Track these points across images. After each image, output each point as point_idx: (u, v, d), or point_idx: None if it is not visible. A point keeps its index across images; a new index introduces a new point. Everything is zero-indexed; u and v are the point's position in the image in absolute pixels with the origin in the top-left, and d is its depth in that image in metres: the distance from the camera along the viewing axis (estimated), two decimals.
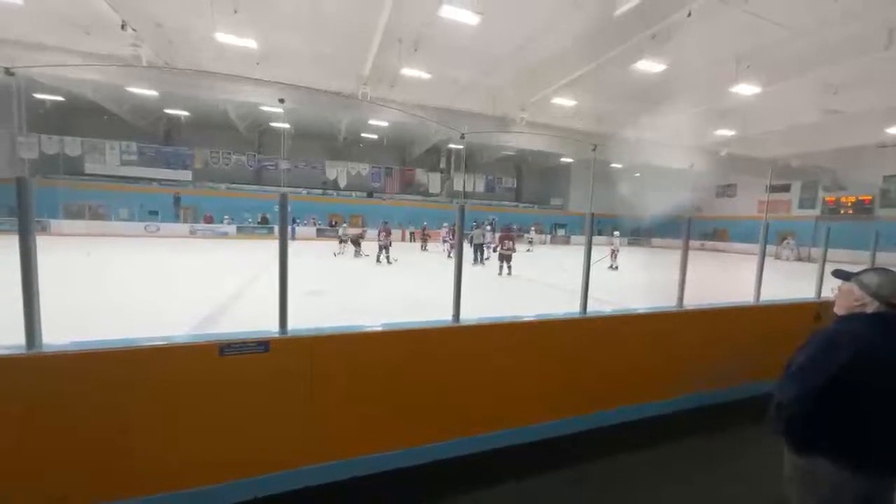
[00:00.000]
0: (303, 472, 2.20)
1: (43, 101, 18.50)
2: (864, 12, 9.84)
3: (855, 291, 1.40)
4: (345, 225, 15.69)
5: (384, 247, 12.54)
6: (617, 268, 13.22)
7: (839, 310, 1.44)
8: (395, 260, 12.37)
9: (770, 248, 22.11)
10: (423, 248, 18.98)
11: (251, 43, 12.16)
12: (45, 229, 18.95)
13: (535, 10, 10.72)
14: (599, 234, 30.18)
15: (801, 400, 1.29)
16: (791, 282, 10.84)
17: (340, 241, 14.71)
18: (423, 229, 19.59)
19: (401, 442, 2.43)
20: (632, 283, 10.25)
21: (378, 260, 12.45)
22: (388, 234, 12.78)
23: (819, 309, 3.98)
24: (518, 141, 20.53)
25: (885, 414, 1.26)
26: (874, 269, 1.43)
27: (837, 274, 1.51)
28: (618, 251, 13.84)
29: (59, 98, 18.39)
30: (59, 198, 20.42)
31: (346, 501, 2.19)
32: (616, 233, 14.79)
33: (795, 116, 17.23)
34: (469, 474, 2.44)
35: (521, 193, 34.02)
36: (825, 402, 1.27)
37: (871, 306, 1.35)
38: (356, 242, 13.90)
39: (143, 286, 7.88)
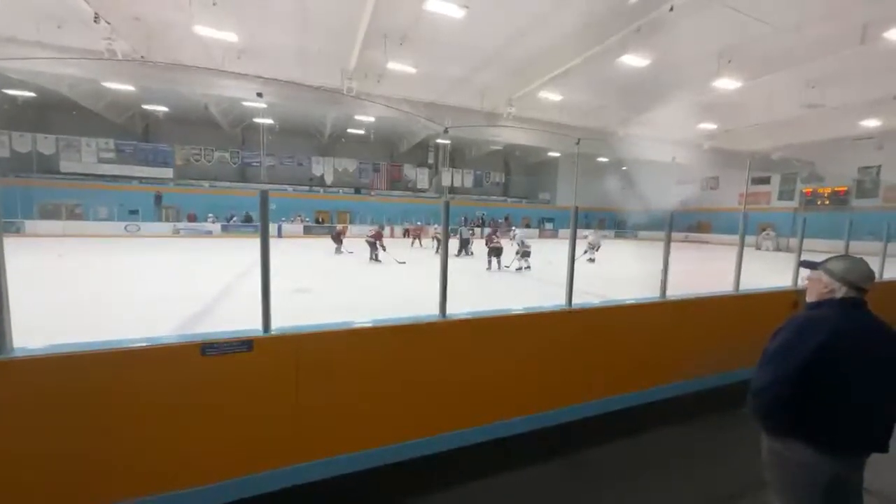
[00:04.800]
0: (290, 472, 2.18)
1: (14, 97, 17.80)
2: (841, 9, 10.10)
3: (823, 279, 1.44)
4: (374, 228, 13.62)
5: (372, 245, 12.33)
6: (594, 260, 13.23)
7: (810, 297, 1.49)
8: (404, 262, 11.80)
9: (751, 239, 22.72)
10: (417, 244, 18.92)
11: (231, 36, 11.87)
12: (19, 230, 18.31)
13: (521, 5, 10.71)
14: (587, 227, 30.70)
15: (774, 385, 1.33)
16: (772, 273, 11.14)
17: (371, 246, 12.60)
18: (417, 227, 19.69)
19: (389, 438, 2.43)
20: (612, 275, 10.39)
21: (370, 259, 12.23)
22: (378, 235, 12.63)
23: (797, 297, 4.10)
24: (506, 136, 20.57)
25: (855, 396, 1.31)
26: (839, 256, 1.48)
27: (805, 264, 1.56)
28: (597, 245, 13.69)
29: (31, 94, 17.71)
30: (33, 197, 19.76)
31: (335, 499, 2.18)
32: (587, 233, 14.60)
33: (776, 110, 17.65)
34: (459, 467, 2.46)
35: (510, 188, 34.13)
36: (798, 387, 1.31)
37: (840, 292, 1.40)
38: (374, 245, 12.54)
39: (123, 287, 7.69)
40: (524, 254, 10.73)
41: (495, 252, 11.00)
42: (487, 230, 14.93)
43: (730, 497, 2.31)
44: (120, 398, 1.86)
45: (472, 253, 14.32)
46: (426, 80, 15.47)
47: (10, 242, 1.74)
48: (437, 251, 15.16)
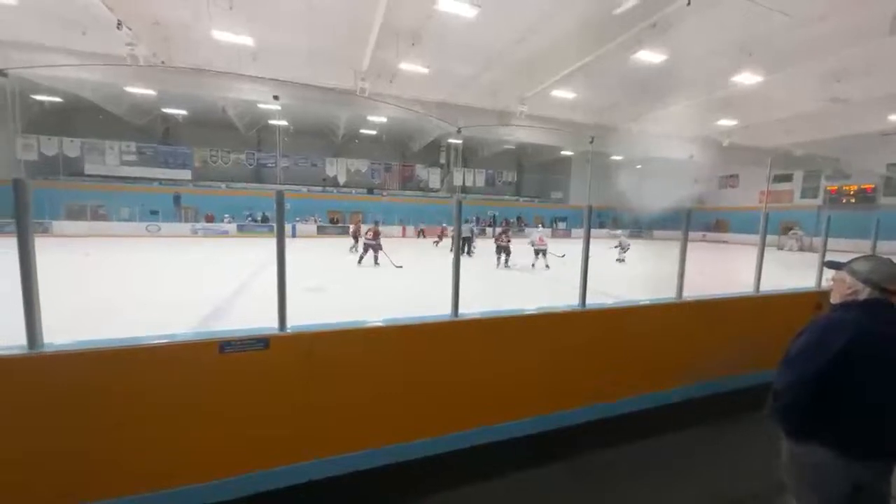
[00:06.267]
0: (303, 468, 2.22)
1: (41, 102, 18.48)
2: None
3: (847, 279, 1.40)
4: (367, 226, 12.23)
5: (371, 247, 11.09)
6: (623, 260, 13.21)
7: (834, 299, 1.45)
8: (401, 266, 10.73)
9: (773, 239, 22.04)
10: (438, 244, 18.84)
11: (247, 40, 12.10)
12: (47, 230, 19.01)
13: (533, 2, 10.61)
14: (601, 226, 30.28)
15: (794, 388, 1.30)
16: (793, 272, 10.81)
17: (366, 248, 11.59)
18: (443, 229, 19.63)
19: (401, 436, 2.45)
20: (626, 276, 10.22)
21: (360, 262, 11.07)
22: (377, 234, 11.22)
23: (820, 298, 3.97)
24: (518, 135, 20.43)
25: (879, 400, 1.26)
26: (864, 256, 1.44)
27: (830, 265, 1.52)
28: (627, 246, 13.57)
29: (57, 99, 18.36)
30: (60, 199, 20.50)
31: (347, 496, 2.21)
32: (619, 231, 14.74)
33: (798, 105, 17.08)
34: (470, 467, 2.46)
35: (522, 187, 33.89)
36: (820, 390, 1.27)
37: (864, 293, 1.35)
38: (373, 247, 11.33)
39: (144, 286, 7.92)
40: (537, 252, 11.21)
41: (503, 250, 11.53)
42: (499, 229, 14.91)
43: (745, 502, 2.25)
44: (142, 393, 1.92)
45: (472, 252, 14.03)
46: (438, 79, 15.48)
47: (38, 242, 1.81)
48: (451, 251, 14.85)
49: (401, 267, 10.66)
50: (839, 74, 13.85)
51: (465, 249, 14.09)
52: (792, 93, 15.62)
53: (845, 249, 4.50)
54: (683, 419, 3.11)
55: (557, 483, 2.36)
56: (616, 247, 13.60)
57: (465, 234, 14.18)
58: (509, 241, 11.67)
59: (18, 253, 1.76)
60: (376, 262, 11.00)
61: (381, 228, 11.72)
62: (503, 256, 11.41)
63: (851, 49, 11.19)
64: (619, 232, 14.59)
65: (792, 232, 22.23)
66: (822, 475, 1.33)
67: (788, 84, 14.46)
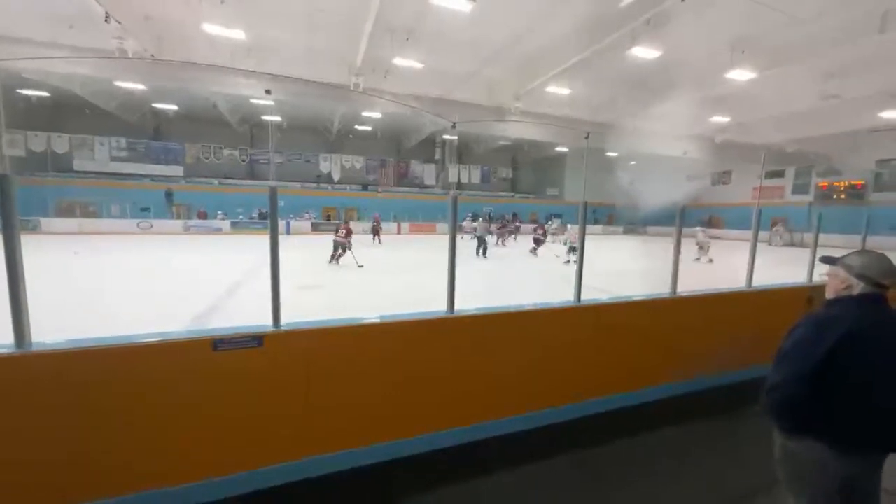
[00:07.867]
0: (301, 465, 2.21)
1: (28, 97, 18.13)
2: None
3: (840, 274, 1.40)
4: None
5: (340, 245, 10.25)
6: (711, 261, 12.20)
7: (829, 294, 1.45)
8: (361, 266, 10.03)
9: (764, 234, 22.25)
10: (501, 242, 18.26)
11: (239, 34, 11.95)
12: (35, 228, 18.70)
13: None
14: (596, 222, 30.42)
15: (789, 383, 1.30)
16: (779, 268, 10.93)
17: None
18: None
19: (398, 432, 2.45)
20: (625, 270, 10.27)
21: (330, 261, 10.29)
22: (349, 232, 10.37)
23: (811, 293, 4.02)
24: (514, 131, 20.42)
25: (872, 395, 1.27)
26: (858, 251, 1.44)
27: (825, 260, 1.53)
28: (707, 245, 12.78)
29: (45, 94, 18.02)
30: (49, 196, 20.16)
31: (344, 492, 2.20)
32: (699, 228, 13.99)
33: (791, 102, 17.23)
34: (468, 463, 2.46)
35: (517, 183, 33.91)
36: (813, 385, 1.28)
37: (857, 288, 1.35)
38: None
39: (136, 284, 7.83)
40: (571, 248, 12.37)
41: (537, 242, 13.81)
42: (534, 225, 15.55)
43: (742, 496, 2.28)
44: (134, 392, 1.89)
45: (487, 253, 13.09)
46: (433, 75, 15.40)
47: (26, 240, 1.77)
48: (477, 252, 13.30)
49: (362, 266, 9.98)
50: (831, 72, 13.98)
51: (481, 251, 13.07)
52: (784, 90, 15.75)
53: (836, 244, 4.56)
54: (680, 414, 3.14)
55: (557, 477, 2.37)
56: (698, 243, 12.90)
57: (479, 233, 13.30)
58: (544, 233, 14.22)
59: (4, 250, 1.72)
60: (336, 261, 10.22)
61: (346, 226, 10.58)
62: (536, 247, 13.74)
63: (843, 47, 11.28)
64: (697, 229, 13.62)
65: (775, 229, 22.43)
66: (816, 469, 1.34)
67: (781, 81, 14.57)
